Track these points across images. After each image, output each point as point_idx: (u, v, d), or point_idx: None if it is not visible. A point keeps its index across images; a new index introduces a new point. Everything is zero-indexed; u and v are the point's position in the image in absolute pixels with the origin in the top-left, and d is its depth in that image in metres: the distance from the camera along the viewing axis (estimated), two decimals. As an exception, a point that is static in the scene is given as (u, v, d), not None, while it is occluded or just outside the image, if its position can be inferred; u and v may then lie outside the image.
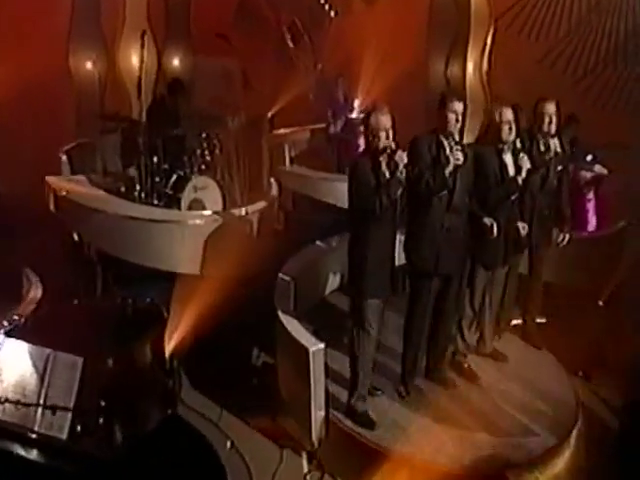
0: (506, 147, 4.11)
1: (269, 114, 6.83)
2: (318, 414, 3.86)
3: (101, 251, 5.21)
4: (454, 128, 3.81)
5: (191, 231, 4.89)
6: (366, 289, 3.71)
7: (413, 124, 8.04)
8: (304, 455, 3.97)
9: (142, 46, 5.92)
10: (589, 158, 6.38)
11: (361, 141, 7.04)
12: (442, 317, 4.11)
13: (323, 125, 7.47)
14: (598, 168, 6.30)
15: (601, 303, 5.49)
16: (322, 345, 3.77)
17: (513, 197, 4.11)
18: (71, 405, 3.28)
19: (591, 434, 4.23)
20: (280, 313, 4.09)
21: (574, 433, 4.10)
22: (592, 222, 6.29)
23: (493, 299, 4.53)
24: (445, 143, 3.82)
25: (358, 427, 3.80)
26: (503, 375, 4.61)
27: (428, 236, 3.85)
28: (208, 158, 5.75)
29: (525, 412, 4.21)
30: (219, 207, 5.55)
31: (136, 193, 5.51)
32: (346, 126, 7.15)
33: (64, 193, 5.61)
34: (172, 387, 4.01)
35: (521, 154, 4.02)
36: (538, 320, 5.12)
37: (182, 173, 5.52)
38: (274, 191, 5.87)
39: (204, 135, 5.78)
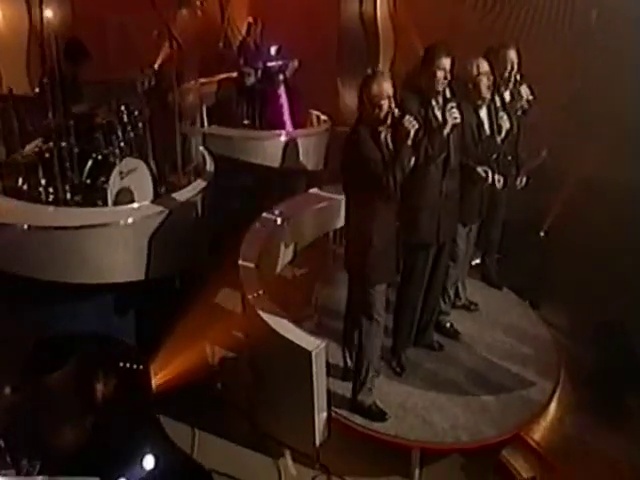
0: (484, 104, 3.80)
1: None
2: (321, 416, 3.53)
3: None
4: (442, 86, 3.40)
5: (127, 232, 4.03)
6: (373, 275, 3.31)
7: (326, 66, 7.73)
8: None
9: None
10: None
11: (281, 91, 6.42)
12: (433, 283, 3.85)
13: (231, 75, 6.67)
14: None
15: (542, 234, 5.61)
16: (323, 344, 3.37)
17: (493, 157, 3.85)
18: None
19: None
20: (266, 316, 3.58)
21: (562, 371, 4.19)
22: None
23: (468, 252, 4.37)
24: (433, 103, 3.42)
25: (370, 422, 3.52)
26: (480, 325, 4.55)
27: (428, 206, 3.50)
28: (130, 134, 4.61)
29: (514, 361, 4.19)
30: (150, 194, 4.52)
31: (41, 189, 4.40)
32: (264, 76, 6.39)
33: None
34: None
35: (500, 113, 3.74)
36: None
37: (99, 156, 4.35)
38: (209, 165, 5.01)
39: (121, 107, 4.66)
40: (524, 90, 4.10)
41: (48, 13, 4.62)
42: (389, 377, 3.93)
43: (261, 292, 3.81)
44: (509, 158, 4.25)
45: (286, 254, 4.87)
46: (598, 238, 5.00)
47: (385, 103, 3.11)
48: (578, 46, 6.59)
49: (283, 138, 6.11)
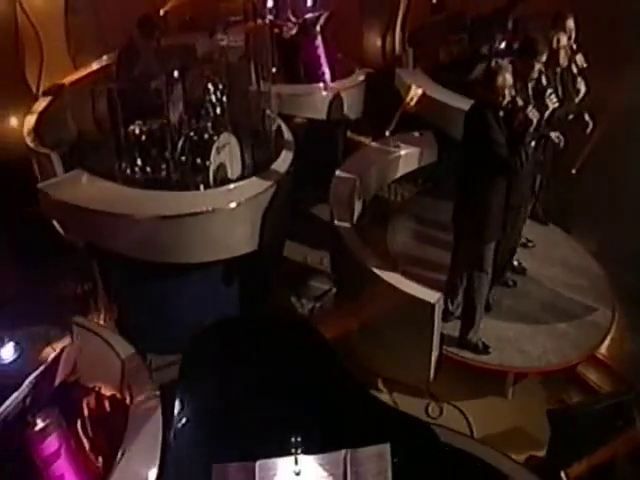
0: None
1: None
2: (435, 355, 4.16)
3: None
4: (537, 74, 3.80)
5: (246, 208, 4.30)
6: (489, 234, 3.84)
7: (349, 10, 7.77)
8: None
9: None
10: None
11: (319, 42, 6.52)
12: (514, 230, 4.41)
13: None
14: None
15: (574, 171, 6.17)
16: (441, 295, 3.93)
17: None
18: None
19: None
20: (380, 272, 4.08)
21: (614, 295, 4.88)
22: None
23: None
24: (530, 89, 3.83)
25: (477, 355, 4.18)
26: (539, 260, 5.17)
27: (524, 174, 3.92)
28: (217, 109, 4.68)
29: (574, 290, 4.86)
30: (239, 168, 4.75)
31: (137, 169, 4.59)
32: (301, 27, 6.46)
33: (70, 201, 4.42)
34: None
35: (578, 78, 4.13)
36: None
37: (193, 134, 4.48)
38: (286, 133, 5.22)
39: (205, 79, 4.72)
40: (579, 58, 4.51)
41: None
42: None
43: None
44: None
45: (357, 207, 5.34)
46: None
47: (507, 92, 3.52)
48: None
49: (328, 91, 6.39)
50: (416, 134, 5.92)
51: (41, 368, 2.78)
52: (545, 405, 4.21)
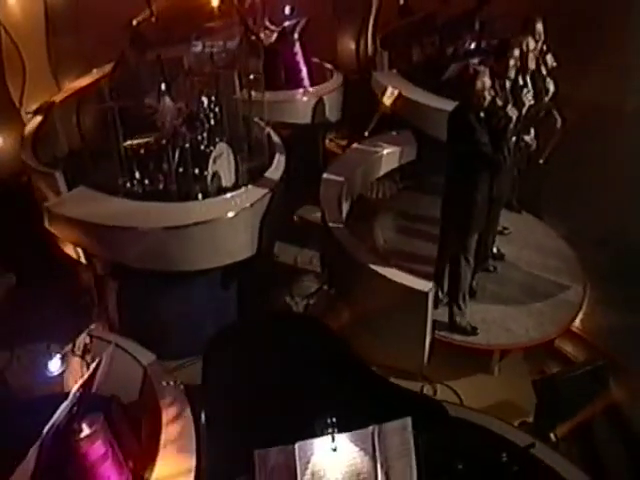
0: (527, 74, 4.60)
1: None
2: (427, 339, 4.55)
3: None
4: (513, 73, 4.18)
5: (247, 215, 4.61)
6: (474, 226, 4.25)
7: (323, 16, 8.07)
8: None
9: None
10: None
11: (297, 49, 6.81)
12: (493, 222, 4.85)
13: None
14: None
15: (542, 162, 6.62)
16: (432, 283, 4.32)
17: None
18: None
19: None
20: (376, 267, 4.44)
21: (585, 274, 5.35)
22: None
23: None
24: (507, 86, 4.20)
25: (466, 337, 4.58)
26: (516, 246, 5.62)
27: (505, 171, 4.32)
28: (211, 120, 4.94)
29: (549, 272, 5.32)
30: (232, 175, 5.01)
31: (136, 183, 4.80)
32: (279, 35, 6.72)
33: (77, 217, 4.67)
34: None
35: (547, 79, 4.53)
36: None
37: (188, 145, 4.69)
38: (276, 138, 5.52)
39: (198, 91, 4.94)
40: (549, 58, 4.93)
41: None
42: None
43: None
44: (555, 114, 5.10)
45: (345, 207, 5.69)
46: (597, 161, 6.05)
47: (487, 94, 3.91)
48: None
49: (308, 96, 6.71)
50: (394, 133, 6.31)
51: (84, 378, 3.05)
52: (528, 377, 4.64)
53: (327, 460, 2.62)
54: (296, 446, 2.58)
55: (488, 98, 3.93)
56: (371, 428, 2.60)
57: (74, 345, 3.33)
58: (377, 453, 2.61)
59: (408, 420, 2.61)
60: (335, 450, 2.55)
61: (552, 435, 3.65)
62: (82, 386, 3.04)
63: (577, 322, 4.97)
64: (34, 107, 6.14)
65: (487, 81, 3.92)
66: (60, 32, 7.07)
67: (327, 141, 7.31)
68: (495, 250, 5.38)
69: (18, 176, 6.63)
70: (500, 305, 4.91)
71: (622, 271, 5.33)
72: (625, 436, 3.99)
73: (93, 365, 3.13)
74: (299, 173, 5.78)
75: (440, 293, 4.72)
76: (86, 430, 2.90)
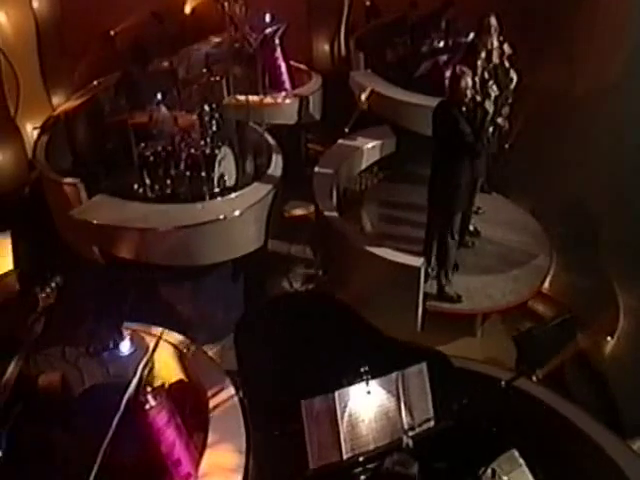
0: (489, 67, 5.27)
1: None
2: (420, 310, 5.20)
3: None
4: (480, 69, 4.84)
5: (257, 210, 5.18)
6: (458, 206, 4.92)
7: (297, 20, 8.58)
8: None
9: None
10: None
11: (278, 54, 7.31)
12: (471, 203, 5.51)
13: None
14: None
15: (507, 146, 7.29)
16: (423, 259, 4.96)
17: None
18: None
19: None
20: (371, 248, 5.05)
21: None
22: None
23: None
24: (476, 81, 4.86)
25: (453, 305, 5.27)
26: (489, 223, 6.31)
27: (483, 154, 4.95)
28: (214, 127, 5.49)
29: (520, 243, 6.05)
30: (234, 176, 5.56)
31: (148, 188, 5.32)
32: (262, 41, 7.16)
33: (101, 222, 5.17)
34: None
35: (490, 82, 5.15)
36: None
37: (194, 150, 5.25)
38: (270, 140, 6.06)
39: (199, 99, 5.51)
40: (506, 47, 5.55)
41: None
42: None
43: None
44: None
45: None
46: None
47: (469, 92, 4.57)
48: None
49: (290, 98, 7.25)
50: (374, 129, 6.91)
51: (146, 357, 3.57)
52: (507, 336, 5.40)
53: (361, 403, 3.24)
54: (335, 394, 3.18)
55: (469, 95, 4.60)
56: (395, 374, 3.23)
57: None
58: (400, 394, 3.23)
59: (424, 365, 3.25)
60: (369, 393, 3.17)
61: (534, 378, 4.36)
62: (145, 365, 3.57)
63: (546, 284, 5.75)
64: (37, 123, 6.56)
65: (469, 81, 4.58)
66: (49, 48, 7.46)
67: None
68: (472, 228, 6.08)
69: (18, 190, 7.07)
70: (480, 275, 5.61)
71: (582, 239, 6.12)
72: (590, 375, 4.78)
73: (151, 346, 3.65)
74: (284, 170, 6.38)
75: (430, 269, 5.39)
76: (152, 401, 3.45)
